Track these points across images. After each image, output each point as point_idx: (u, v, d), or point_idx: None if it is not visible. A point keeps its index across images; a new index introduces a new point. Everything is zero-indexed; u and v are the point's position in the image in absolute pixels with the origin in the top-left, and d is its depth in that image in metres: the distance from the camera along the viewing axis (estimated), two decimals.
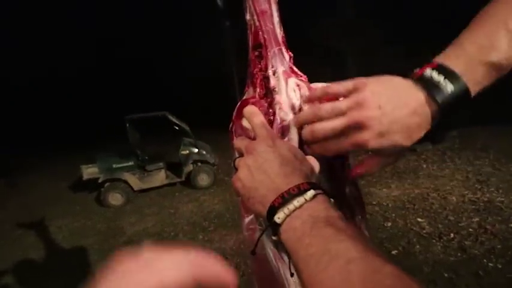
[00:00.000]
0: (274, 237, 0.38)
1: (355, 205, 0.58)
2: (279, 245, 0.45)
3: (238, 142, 0.48)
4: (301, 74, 0.58)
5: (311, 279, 0.30)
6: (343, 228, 0.32)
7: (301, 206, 0.35)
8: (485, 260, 2.37)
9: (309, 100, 0.49)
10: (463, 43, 0.39)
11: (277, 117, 0.52)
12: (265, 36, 0.55)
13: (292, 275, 0.43)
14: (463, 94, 0.38)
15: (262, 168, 0.40)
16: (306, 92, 0.54)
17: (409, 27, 5.94)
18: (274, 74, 0.55)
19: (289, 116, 0.52)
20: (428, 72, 0.39)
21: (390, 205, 3.50)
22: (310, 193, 0.35)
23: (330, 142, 0.43)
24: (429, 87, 0.38)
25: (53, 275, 3.13)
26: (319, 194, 0.36)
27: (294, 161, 0.40)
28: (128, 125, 4.99)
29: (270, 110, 0.54)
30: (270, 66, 0.55)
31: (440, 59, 0.40)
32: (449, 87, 0.37)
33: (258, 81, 0.57)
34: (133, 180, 4.88)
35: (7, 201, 5.49)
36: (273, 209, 0.36)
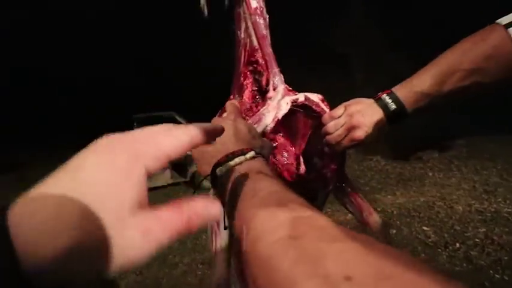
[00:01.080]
0: (212, 191, 0.44)
1: (342, 177, 0.73)
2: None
3: (213, 120, 0.53)
4: (295, 92, 0.71)
5: (239, 212, 0.33)
6: (271, 175, 0.38)
7: (241, 162, 0.40)
8: (491, 272, 2.35)
9: (323, 122, 0.68)
10: (412, 78, 0.63)
11: (261, 109, 0.64)
12: (267, 58, 0.65)
13: (225, 227, 0.46)
14: (401, 111, 0.62)
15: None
16: (314, 98, 0.70)
17: (415, 33, 5.92)
18: (274, 90, 0.66)
19: (269, 113, 0.63)
20: (383, 96, 0.64)
21: (395, 212, 3.48)
22: (250, 154, 0.41)
23: (339, 142, 0.66)
24: (382, 105, 0.63)
25: None
26: (259, 156, 0.42)
27: (246, 134, 0.48)
28: (135, 124, 5.05)
29: (254, 108, 0.66)
30: (271, 83, 0.66)
31: (394, 88, 0.64)
32: (392, 106, 0.62)
33: (246, 92, 0.67)
34: None
35: (16, 196, 5.57)
36: (217, 165, 0.41)
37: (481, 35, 0.56)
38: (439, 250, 2.69)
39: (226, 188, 0.38)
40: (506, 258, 2.48)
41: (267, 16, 0.64)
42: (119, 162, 0.22)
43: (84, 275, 0.19)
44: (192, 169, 5.10)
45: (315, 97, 0.69)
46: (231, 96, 0.69)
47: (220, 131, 0.31)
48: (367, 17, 5.86)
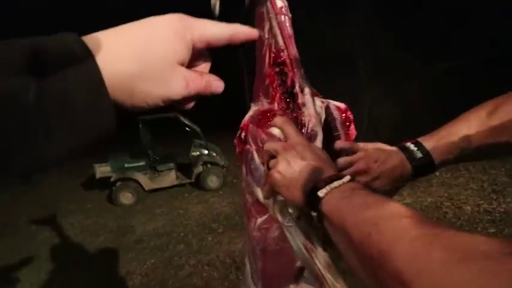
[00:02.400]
0: (313, 213, 0.42)
1: None
2: (310, 229, 0.52)
3: (273, 144, 0.54)
4: (317, 93, 0.69)
5: (351, 225, 0.35)
6: (377, 195, 0.39)
7: (339, 186, 0.41)
8: None
9: (340, 164, 0.65)
10: (440, 129, 0.61)
11: (307, 127, 0.61)
12: (292, 58, 0.62)
13: (324, 249, 0.50)
14: (428, 160, 0.59)
15: (301, 161, 0.47)
16: (333, 108, 0.67)
17: (422, 33, 5.86)
18: (302, 92, 0.63)
19: (317, 127, 0.61)
20: (408, 144, 0.61)
21: None
22: (347, 178, 0.42)
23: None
24: (406, 152, 0.60)
25: (65, 271, 3.20)
26: (353, 180, 0.43)
27: (327, 159, 0.49)
28: (141, 125, 5.07)
29: (298, 122, 0.62)
30: (297, 85, 0.63)
31: (420, 138, 0.62)
32: (418, 154, 0.59)
33: (278, 95, 0.64)
34: (144, 180, 4.95)
35: (22, 197, 5.64)
36: (315, 189, 0.42)
37: (508, 96, 0.57)
38: None
39: (331, 205, 0.40)
40: None
41: (290, 15, 0.61)
42: (178, 28, 0.29)
43: (146, 99, 0.28)
44: (197, 170, 5.12)
45: (341, 106, 0.68)
46: (258, 98, 0.66)
47: (255, 36, 0.35)
48: (374, 16, 5.82)
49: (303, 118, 0.61)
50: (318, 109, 0.64)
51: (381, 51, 5.90)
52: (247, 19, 0.62)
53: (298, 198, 0.45)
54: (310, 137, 0.59)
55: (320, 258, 0.51)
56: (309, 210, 0.44)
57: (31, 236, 4.08)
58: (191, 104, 0.33)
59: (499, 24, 5.89)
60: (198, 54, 0.32)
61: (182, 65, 0.30)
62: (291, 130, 0.53)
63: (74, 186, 6.10)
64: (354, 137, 0.69)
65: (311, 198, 0.43)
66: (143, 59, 0.27)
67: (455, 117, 0.61)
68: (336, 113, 0.66)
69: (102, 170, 4.93)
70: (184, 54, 0.30)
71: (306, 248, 0.52)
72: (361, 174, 0.60)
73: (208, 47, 0.32)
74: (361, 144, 0.65)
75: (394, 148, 0.63)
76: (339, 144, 0.64)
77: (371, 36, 5.85)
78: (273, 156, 0.52)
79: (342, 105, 0.69)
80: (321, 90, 0.70)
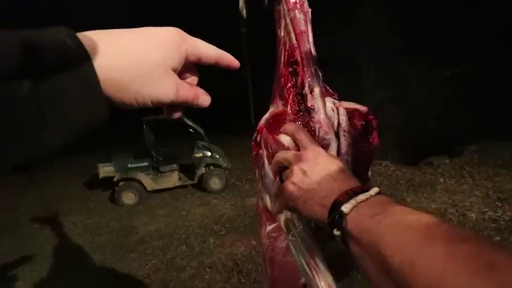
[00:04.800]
0: (336, 232, 0.37)
1: None
2: (335, 242, 0.46)
3: (284, 154, 0.49)
4: (333, 93, 0.62)
5: (387, 246, 0.31)
6: (414, 211, 0.34)
7: (367, 199, 0.36)
8: None
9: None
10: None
11: (318, 136, 0.55)
12: (303, 55, 0.58)
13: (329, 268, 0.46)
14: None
15: (319, 172, 0.42)
16: (342, 110, 0.58)
17: (424, 37, 5.86)
18: (311, 93, 0.58)
19: (329, 135, 0.55)
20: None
21: None
22: (374, 190, 0.37)
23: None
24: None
25: (66, 270, 3.19)
26: (382, 193, 0.38)
27: (346, 170, 0.43)
28: (145, 126, 5.09)
29: (308, 128, 0.57)
30: (306, 85, 0.58)
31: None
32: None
33: (291, 97, 0.60)
34: (147, 181, 4.96)
35: (25, 196, 5.66)
36: (338, 204, 0.37)
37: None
38: None
39: (357, 222, 0.35)
40: None
41: (309, 10, 0.57)
42: (174, 38, 0.32)
43: (134, 94, 0.29)
44: (200, 172, 5.12)
45: (362, 109, 0.61)
46: (274, 101, 0.62)
47: (236, 66, 0.38)
48: (376, 21, 5.82)
49: (314, 124, 0.56)
50: (329, 112, 0.57)
51: (384, 57, 5.90)
52: (267, 18, 0.60)
53: (321, 214, 0.39)
54: (322, 147, 0.53)
55: (322, 279, 0.47)
56: (330, 228, 0.38)
57: (33, 235, 4.09)
58: (178, 114, 0.34)
59: (502, 31, 5.88)
60: (188, 68, 0.34)
61: (174, 71, 0.32)
62: (304, 138, 0.49)
63: (77, 186, 6.11)
64: (374, 146, 0.62)
65: (333, 214, 0.37)
66: (138, 58, 0.29)
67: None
68: (343, 118, 0.57)
69: (105, 169, 4.94)
70: (178, 62, 0.31)
71: (308, 266, 0.49)
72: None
73: (198, 62, 0.34)
74: None
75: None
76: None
77: (375, 42, 5.85)
78: (285, 167, 0.47)
79: (363, 109, 0.61)
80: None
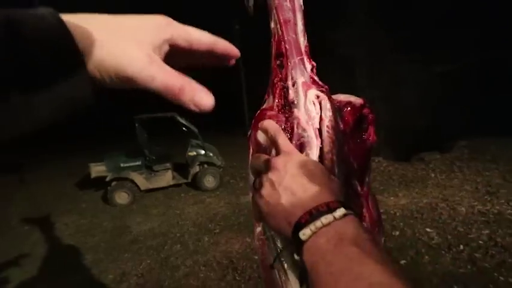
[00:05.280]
0: (296, 256, 0.34)
1: (376, 220, 0.58)
2: (295, 265, 0.44)
3: (256, 160, 0.45)
4: (323, 85, 0.56)
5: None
6: (371, 251, 0.30)
7: (329, 223, 0.33)
8: (495, 274, 2.33)
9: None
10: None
11: (295, 134, 0.50)
12: (287, 46, 0.53)
13: None
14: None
15: (287, 184, 0.38)
16: (326, 103, 0.52)
17: (417, 34, 5.93)
18: (293, 86, 0.53)
19: (307, 132, 0.50)
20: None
21: (398, 214, 3.47)
22: (340, 212, 0.33)
23: None
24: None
25: (59, 271, 3.15)
26: (350, 214, 0.34)
27: (322, 177, 0.38)
28: (137, 124, 5.04)
29: (288, 124, 0.52)
30: (289, 77, 0.53)
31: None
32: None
33: (278, 91, 0.55)
34: (140, 180, 4.92)
35: (16, 197, 5.56)
36: (299, 226, 0.34)
37: None
38: (443, 252, 2.68)
39: (311, 255, 0.32)
40: (510, 260, 2.47)
41: None
42: (159, 19, 0.30)
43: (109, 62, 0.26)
44: (194, 170, 5.09)
45: (355, 102, 0.54)
46: (266, 96, 0.57)
47: (236, 54, 0.34)
48: (369, 18, 5.86)
49: (292, 120, 0.51)
50: (309, 105, 0.50)
51: (377, 55, 5.95)
52: (263, 13, 0.57)
53: (287, 231, 0.36)
54: (301, 148, 0.48)
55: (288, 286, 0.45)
56: (294, 250, 0.35)
57: (24, 237, 4.03)
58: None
59: (495, 27, 5.98)
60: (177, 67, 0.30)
61: (159, 53, 0.29)
62: (279, 138, 0.44)
63: (69, 186, 6.03)
64: (371, 144, 0.55)
65: (294, 237, 0.34)
66: (111, 25, 0.27)
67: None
68: (326, 112, 0.50)
69: (97, 169, 4.88)
70: (158, 40, 0.29)
71: (278, 272, 0.47)
72: None
73: (189, 48, 0.31)
74: None
75: None
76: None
77: (367, 40, 5.90)
78: (259, 172, 0.43)
79: (358, 101, 0.55)
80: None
